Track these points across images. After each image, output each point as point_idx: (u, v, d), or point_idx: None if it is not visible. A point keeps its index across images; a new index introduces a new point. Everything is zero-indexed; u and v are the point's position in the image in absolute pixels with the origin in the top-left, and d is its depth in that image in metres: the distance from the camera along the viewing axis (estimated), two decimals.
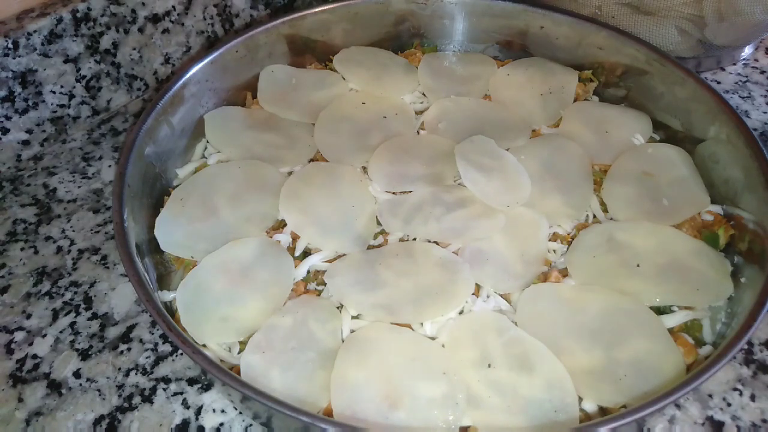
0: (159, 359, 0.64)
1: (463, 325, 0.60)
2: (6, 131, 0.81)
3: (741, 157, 0.67)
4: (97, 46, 0.84)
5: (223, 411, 0.60)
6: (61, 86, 0.83)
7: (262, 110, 0.82)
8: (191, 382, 0.62)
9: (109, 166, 0.83)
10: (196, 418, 0.59)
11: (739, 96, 0.90)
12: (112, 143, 0.87)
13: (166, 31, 0.90)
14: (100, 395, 0.61)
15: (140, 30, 0.87)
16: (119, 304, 0.68)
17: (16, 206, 0.79)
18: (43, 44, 0.79)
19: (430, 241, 0.67)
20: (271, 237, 0.68)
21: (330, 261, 0.66)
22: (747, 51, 0.96)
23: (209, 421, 0.59)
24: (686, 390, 0.50)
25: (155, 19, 0.88)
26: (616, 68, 0.82)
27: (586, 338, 0.58)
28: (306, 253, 0.67)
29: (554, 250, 0.67)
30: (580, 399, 0.55)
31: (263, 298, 0.62)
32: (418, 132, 0.80)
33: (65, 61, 0.82)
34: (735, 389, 0.60)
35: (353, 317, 0.61)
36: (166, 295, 0.62)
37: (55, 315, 0.67)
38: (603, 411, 0.55)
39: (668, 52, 0.80)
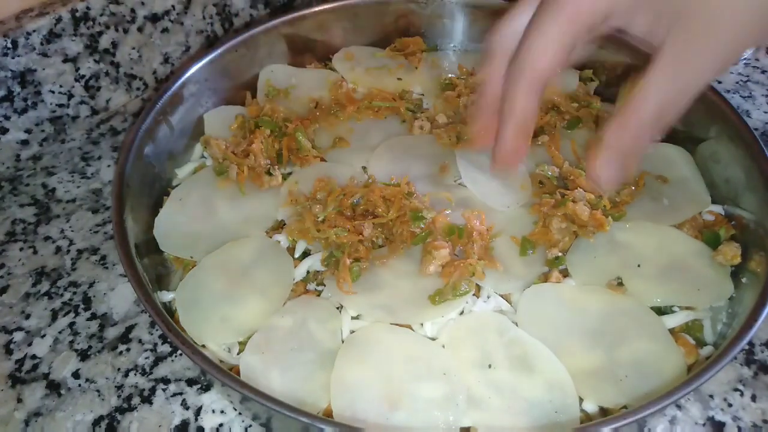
0: (158, 360, 0.63)
1: (463, 326, 0.59)
2: (5, 131, 0.81)
3: (742, 157, 0.66)
4: (96, 46, 0.84)
5: (222, 412, 0.59)
6: (60, 86, 0.83)
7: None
8: (190, 382, 0.62)
9: (109, 166, 0.83)
10: (196, 419, 0.59)
11: (740, 96, 0.90)
12: (111, 143, 0.86)
13: (165, 30, 0.90)
14: (99, 396, 0.61)
15: (139, 29, 0.87)
16: (118, 304, 0.68)
17: (15, 206, 0.78)
18: (42, 44, 0.79)
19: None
20: (270, 237, 0.67)
21: None
22: (748, 51, 0.96)
23: (209, 421, 0.59)
24: (687, 390, 0.50)
25: (154, 18, 0.88)
26: (617, 68, 0.82)
27: (586, 339, 0.58)
28: (306, 254, 0.66)
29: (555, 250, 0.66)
30: (581, 399, 0.55)
31: (263, 299, 0.62)
32: None
33: (64, 61, 0.82)
34: (736, 390, 0.60)
35: (353, 318, 0.60)
36: (166, 296, 0.62)
37: (54, 315, 0.67)
38: (604, 411, 0.55)
39: None
